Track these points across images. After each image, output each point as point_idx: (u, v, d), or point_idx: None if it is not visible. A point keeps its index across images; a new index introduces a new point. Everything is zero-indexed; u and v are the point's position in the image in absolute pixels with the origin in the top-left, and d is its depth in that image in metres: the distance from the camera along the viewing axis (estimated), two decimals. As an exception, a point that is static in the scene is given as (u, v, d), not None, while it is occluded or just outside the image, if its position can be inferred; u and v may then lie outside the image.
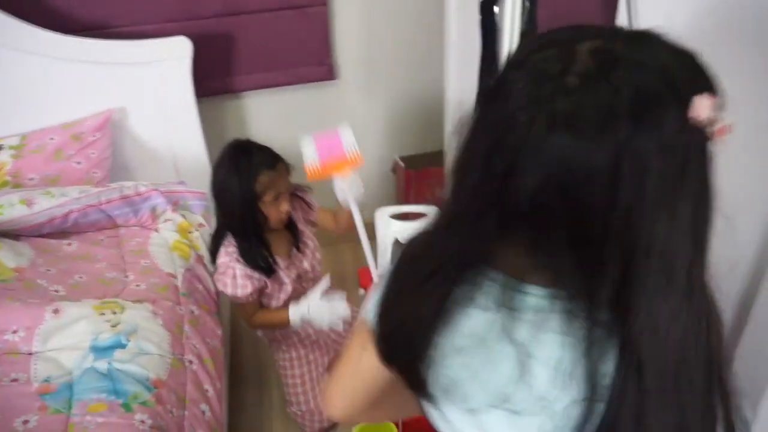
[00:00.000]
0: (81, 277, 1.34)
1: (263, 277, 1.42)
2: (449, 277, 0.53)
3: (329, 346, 1.68)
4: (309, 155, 1.40)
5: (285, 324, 1.42)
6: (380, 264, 1.58)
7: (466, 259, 0.53)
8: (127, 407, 1.03)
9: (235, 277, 1.38)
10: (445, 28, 1.81)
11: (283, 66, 2.04)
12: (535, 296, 0.51)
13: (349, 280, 2.03)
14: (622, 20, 1.14)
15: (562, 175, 0.43)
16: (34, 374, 1.07)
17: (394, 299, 0.59)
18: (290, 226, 1.52)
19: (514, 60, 0.49)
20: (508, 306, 0.51)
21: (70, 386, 1.05)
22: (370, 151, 2.32)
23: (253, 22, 1.92)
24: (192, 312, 1.39)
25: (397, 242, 1.57)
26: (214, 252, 1.44)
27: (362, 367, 0.65)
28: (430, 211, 1.64)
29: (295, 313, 1.40)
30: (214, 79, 1.97)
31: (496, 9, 1.41)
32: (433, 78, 2.21)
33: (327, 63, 2.07)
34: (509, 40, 1.43)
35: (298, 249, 1.52)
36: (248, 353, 1.88)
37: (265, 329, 1.53)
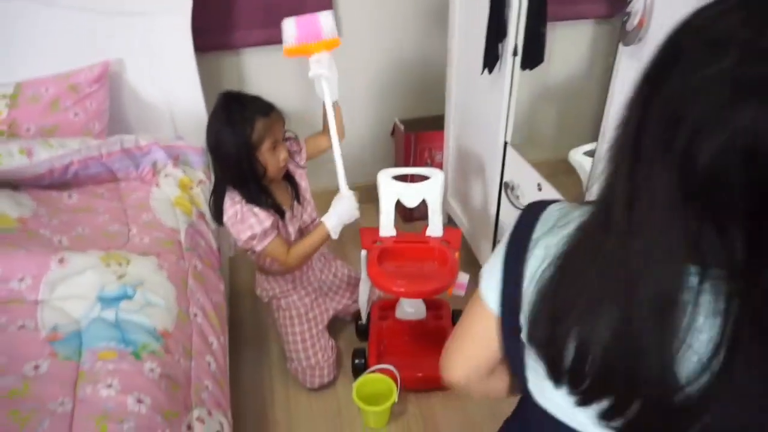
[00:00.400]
0: (83, 229, 1.33)
1: (277, 218, 1.45)
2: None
3: (328, 305, 1.71)
4: (287, 34, 1.45)
5: (325, 238, 1.46)
6: (383, 226, 1.59)
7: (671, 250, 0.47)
8: (137, 355, 1.04)
9: (251, 215, 1.40)
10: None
11: (284, 23, 2.00)
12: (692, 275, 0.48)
13: (349, 242, 2.04)
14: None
15: (749, 145, 0.41)
16: (42, 322, 1.07)
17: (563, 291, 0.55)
18: (289, 179, 1.55)
19: (690, 26, 0.46)
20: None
21: (78, 335, 1.05)
22: (370, 112, 2.30)
23: (254, -25, 1.88)
24: (195, 267, 1.39)
25: (398, 203, 1.58)
26: (216, 208, 1.44)
27: (485, 335, 0.67)
28: (431, 173, 1.66)
29: (329, 221, 1.44)
30: (213, 34, 1.92)
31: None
32: (435, 42, 2.18)
33: (329, 21, 2.03)
34: (517, 6, 1.42)
35: (299, 201, 1.56)
36: (247, 311, 1.89)
37: (306, 259, 1.54)
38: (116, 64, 1.72)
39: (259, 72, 2.07)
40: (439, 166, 2.27)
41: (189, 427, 1.03)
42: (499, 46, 1.50)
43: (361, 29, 2.10)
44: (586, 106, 1.39)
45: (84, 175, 1.47)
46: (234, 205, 1.40)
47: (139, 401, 0.96)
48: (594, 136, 1.27)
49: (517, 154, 1.59)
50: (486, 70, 1.55)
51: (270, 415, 1.55)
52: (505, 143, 1.64)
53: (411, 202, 1.58)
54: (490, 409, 1.53)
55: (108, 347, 1.04)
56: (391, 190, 1.57)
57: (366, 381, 1.51)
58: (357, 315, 1.76)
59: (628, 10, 1.00)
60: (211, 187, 1.49)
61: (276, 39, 1.99)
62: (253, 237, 1.40)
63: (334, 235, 1.46)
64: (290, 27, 1.46)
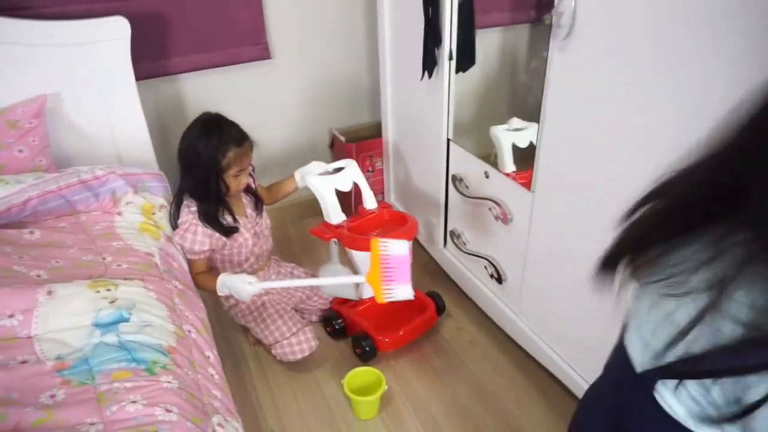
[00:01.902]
0: (58, 262, 1.30)
1: (222, 238, 1.60)
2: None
3: (288, 299, 1.82)
4: (393, 247, 1.39)
5: (214, 290, 1.55)
6: (334, 214, 1.69)
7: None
8: (150, 371, 1.05)
9: (196, 233, 1.56)
10: (377, 5, 1.93)
11: (219, 47, 2.04)
12: None
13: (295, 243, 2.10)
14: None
15: None
16: (43, 354, 1.05)
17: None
18: (248, 190, 1.73)
19: None
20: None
21: (86, 360, 1.04)
22: (305, 126, 2.39)
23: (187, 2, 1.91)
24: (177, 287, 1.40)
25: (338, 192, 1.72)
26: (176, 211, 1.58)
27: None
28: (345, 163, 1.83)
29: (222, 283, 1.52)
30: (149, 62, 1.92)
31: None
32: (361, 55, 2.33)
33: (262, 43, 2.11)
34: (449, 16, 1.59)
35: (258, 209, 1.74)
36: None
37: (201, 289, 1.63)
38: (53, 97, 1.68)
39: (198, 95, 2.09)
40: (380, 172, 2.40)
41: (213, 433, 1.06)
42: (436, 51, 1.67)
43: (291, 45, 2.19)
44: (504, 95, 1.60)
45: (42, 210, 1.43)
46: (189, 215, 1.56)
47: (168, 410, 0.98)
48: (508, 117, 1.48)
49: (460, 148, 1.75)
50: (426, 75, 1.71)
51: (261, 422, 1.57)
52: (448, 140, 1.80)
53: (346, 187, 1.73)
54: (477, 392, 1.66)
55: (120, 368, 1.04)
56: (327, 183, 1.69)
57: (355, 375, 1.59)
58: (322, 315, 1.88)
59: (555, 10, 1.19)
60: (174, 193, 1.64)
61: (211, 62, 2.05)
62: (182, 247, 1.56)
63: (219, 293, 1.54)
64: (401, 249, 1.41)
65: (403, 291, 1.37)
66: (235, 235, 1.64)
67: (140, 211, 1.57)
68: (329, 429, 1.55)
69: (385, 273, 1.37)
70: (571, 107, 1.25)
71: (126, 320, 1.16)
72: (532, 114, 1.39)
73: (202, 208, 1.57)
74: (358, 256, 1.69)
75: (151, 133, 1.89)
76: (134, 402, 0.97)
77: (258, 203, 1.74)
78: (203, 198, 1.56)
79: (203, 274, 1.62)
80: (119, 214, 1.55)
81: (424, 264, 2.16)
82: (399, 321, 1.78)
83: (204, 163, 1.50)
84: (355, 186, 1.76)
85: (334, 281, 1.65)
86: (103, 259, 1.36)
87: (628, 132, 1.13)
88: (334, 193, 1.70)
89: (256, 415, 1.60)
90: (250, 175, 1.71)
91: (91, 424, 0.92)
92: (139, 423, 0.94)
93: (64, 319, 1.12)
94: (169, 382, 1.05)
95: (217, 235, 1.59)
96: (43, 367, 1.02)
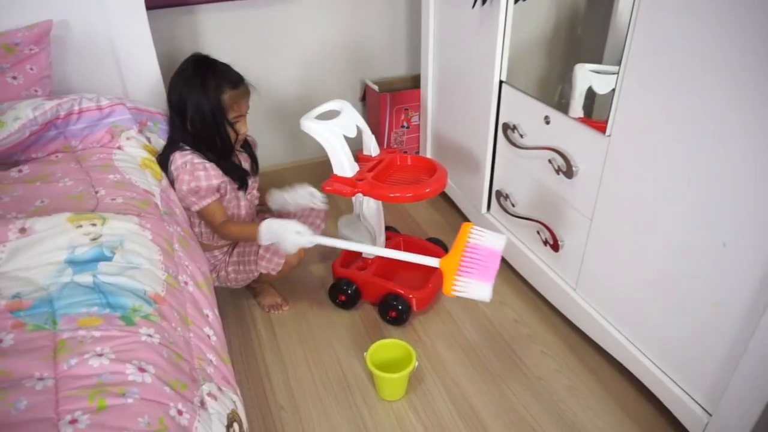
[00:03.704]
0: (43, 201, 1.10)
1: (230, 183, 1.42)
2: None
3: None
4: (486, 237, 1.19)
5: (253, 239, 1.37)
6: (351, 165, 1.44)
7: None
8: (127, 320, 0.85)
9: (206, 168, 1.36)
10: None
11: (243, -23, 1.82)
12: None
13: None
14: None
15: None
16: (-2, 292, 0.85)
17: None
18: (248, 149, 1.55)
19: None
20: None
21: (49, 301, 0.84)
22: (334, 75, 2.16)
23: None
24: (178, 231, 1.19)
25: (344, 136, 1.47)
26: (164, 158, 1.39)
27: None
28: (338, 106, 1.54)
29: (265, 231, 1.32)
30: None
31: None
32: (397, 6, 2.07)
33: (291, -25, 1.88)
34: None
35: (255, 172, 1.55)
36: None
37: (231, 239, 1.49)
38: (60, 25, 1.49)
39: (216, 31, 1.88)
40: (416, 128, 2.15)
41: (202, 403, 0.84)
42: (492, -27, 1.40)
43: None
44: (587, 29, 1.31)
45: (35, 144, 1.24)
46: (186, 156, 1.36)
47: (141, 369, 0.77)
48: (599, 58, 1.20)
49: (516, 91, 1.49)
50: (479, 2, 1.44)
51: (270, 398, 1.36)
52: (501, 82, 1.54)
53: (352, 132, 1.49)
54: (523, 376, 1.42)
55: (89, 313, 0.84)
56: (333, 129, 1.44)
57: (380, 347, 1.36)
58: None
59: None
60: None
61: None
62: (196, 191, 1.34)
63: (261, 242, 1.35)
64: (495, 242, 1.20)
65: (480, 290, 1.15)
66: (240, 198, 1.47)
67: (142, 147, 1.37)
68: (347, 410, 1.33)
69: (467, 264, 1.16)
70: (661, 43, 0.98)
71: (108, 259, 0.95)
72: (608, 55, 1.13)
73: (209, 157, 1.38)
74: (369, 208, 1.50)
75: (164, 70, 1.69)
76: (100, 355, 0.77)
77: (254, 164, 1.55)
78: (207, 146, 1.37)
79: (229, 223, 1.41)
80: (119, 148, 1.35)
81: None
82: (416, 277, 1.60)
83: (204, 106, 1.32)
84: None
85: (408, 257, 1.31)
86: (96, 192, 1.16)
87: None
88: (343, 139, 1.45)
89: (264, 389, 1.39)
90: (249, 137, 1.54)
91: (39, 379, 0.71)
92: (101, 382, 0.73)
93: (31, 258, 0.92)
94: (149, 335, 0.84)
95: (227, 179, 1.40)
96: (-6, 306, 0.82)
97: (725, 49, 0.89)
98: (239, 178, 1.45)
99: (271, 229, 1.31)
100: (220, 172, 1.38)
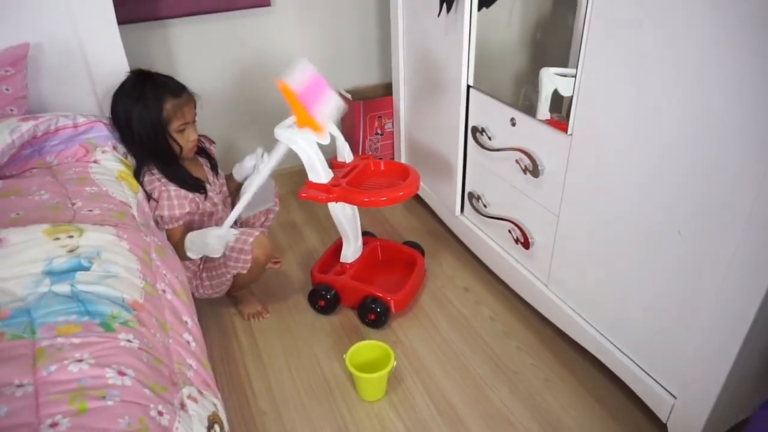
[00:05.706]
0: (19, 213, 1.11)
1: (196, 197, 1.47)
2: None
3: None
4: (299, 76, 1.30)
5: (184, 254, 1.44)
6: (326, 172, 1.47)
7: None
8: (107, 327, 0.86)
9: (171, 197, 1.42)
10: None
11: (214, -9, 1.85)
12: None
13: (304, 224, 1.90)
14: None
15: None
16: (-24, 304, 0.86)
17: None
18: (204, 153, 1.59)
19: None
20: None
21: (27, 311, 0.85)
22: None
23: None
24: (155, 241, 1.21)
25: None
26: (137, 177, 1.42)
27: None
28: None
29: (190, 242, 1.43)
30: (135, 2, 1.74)
31: None
32: (370, 6, 2.12)
33: (262, -12, 1.91)
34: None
35: (217, 172, 1.61)
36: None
37: (182, 257, 1.49)
38: (34, 47, 1.50)
39: (189, 44, 1.90)
40: (390, 135, 2.19)
41: (182, 405, 0.86)
42: (455, -17, 1.46)
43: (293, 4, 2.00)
44: (535, 37, 1.37)
45: (10, 166, 1.25)
46: (155, 182, 1.42)
47: (121, 373, 0.79)
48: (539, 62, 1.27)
49: (483, 94, 1.54)
50: (444, 10, 1.50)
51: (252, 403, 1.38)
52: (468, 87, 1.59)
53: (325, 140, 1.50)
54: (500, 372, 1.46)
55: (68, 321, 0.85)
56: (307, 137, 1.47)
57: (359, 349, 1.39)
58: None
59: None
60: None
61: (204, 8, 1.86)
62: (161, 217, 1.42)
63: (189, 254, 1.45)
64: (305, 72, 1.31)
65: (332, 101, 1.33)
66: (206, 202, 1.51)
67: (119, 161, 1.38)
68: (329, 412, 1.35)
69: (305, 102, 1.29)
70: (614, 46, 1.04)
71: (86, 269, 0.96)
72: (565, 58, 1.18)
73: (165, 171, 1.44)
74: (345, 214, 1.55)
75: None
76: (80, 361, 0.78)
77: (213, 165, 1.60)
78: (161, 159, 1.43)
79: (179, 243, 1.46)
80: (95, 161, 1.36)
81: (435, 234, 1.96)
82: (394, 279, 1.65)
83: (145, 120, 1.37)
84: None
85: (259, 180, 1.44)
86: (73, 204, 1.17)
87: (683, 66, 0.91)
88: (317, 146, 1.48)
89: (246, 395, 1.40)
90: (204, 137, 1.59)
91: (19, 385, 0.73)
92: (82, 386, 0.74)
93: (7, 269, 0.92)
94: (128, 340, 0.86)
95: (191, 195, 1.46)
96: (-29, 317, 0.83)
97: (671, 48, 0.95)
98: (194, 187, 1.48)
99: (190, 240, 1.42)
100: (184, 201, 1.44)
